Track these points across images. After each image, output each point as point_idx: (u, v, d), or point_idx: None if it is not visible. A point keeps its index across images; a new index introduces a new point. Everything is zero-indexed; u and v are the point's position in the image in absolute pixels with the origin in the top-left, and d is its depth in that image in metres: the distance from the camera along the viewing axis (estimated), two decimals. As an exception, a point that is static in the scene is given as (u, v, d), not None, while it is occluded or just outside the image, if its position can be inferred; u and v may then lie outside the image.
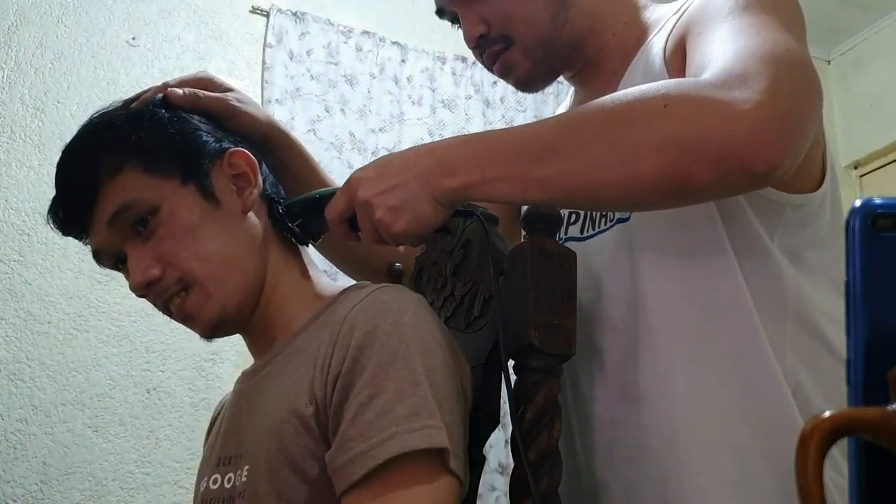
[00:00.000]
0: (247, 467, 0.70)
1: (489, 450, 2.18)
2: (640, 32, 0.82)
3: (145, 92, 0.81)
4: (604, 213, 0.81)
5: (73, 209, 0.74)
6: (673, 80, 0.65)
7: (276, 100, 2.23)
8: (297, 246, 0.83)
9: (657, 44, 0.77)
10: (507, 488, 0.68)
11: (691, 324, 0.73)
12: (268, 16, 2.33)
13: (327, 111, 2.31)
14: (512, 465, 0.69)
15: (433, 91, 2.50)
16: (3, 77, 2.01)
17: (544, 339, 0.67)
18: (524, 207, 0.82)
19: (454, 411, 0.66)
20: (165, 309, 0.76)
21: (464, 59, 2.55)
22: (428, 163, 0.68)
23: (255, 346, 0.81)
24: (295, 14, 2.34)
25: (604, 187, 0.63)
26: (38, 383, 1.88)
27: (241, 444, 0.73)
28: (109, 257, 0.77)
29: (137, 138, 0.74)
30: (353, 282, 0.83)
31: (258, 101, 2.26)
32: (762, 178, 0.60)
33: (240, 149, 0.79)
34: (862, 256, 0.32)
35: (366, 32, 2.44)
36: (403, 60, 2.48)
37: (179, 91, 0.79)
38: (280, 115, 2.22)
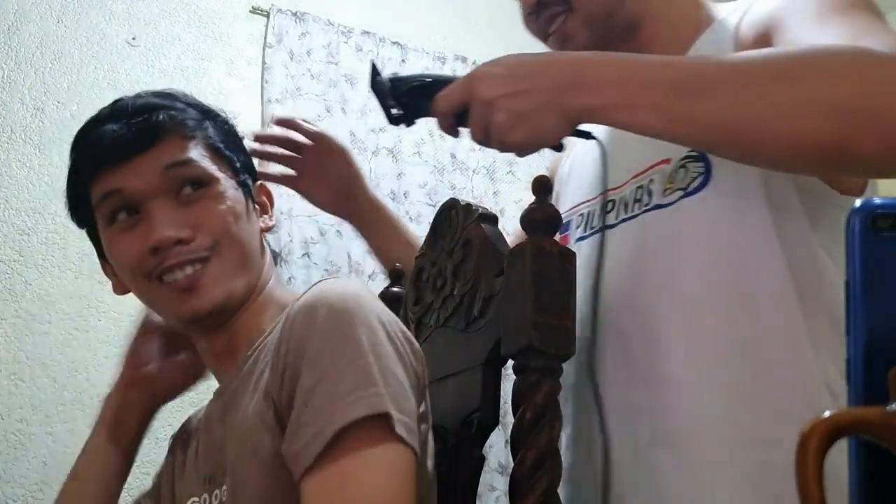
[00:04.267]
0: (225, 486, 0.71)
1: (489, 450, 2.18)
2: (695, 25, 0.81)
3: None
4: (638, 198, 0.79)
5: (139, 135, 0.74)
6: (851, 47, 0.61)
7: (276, 99, 2.24)
8: (275, 266, 0.84)
9: (723, 39, 0.75)
10: (506, 488, 0.68)
11: (730, 314, 0.72)
12: (268, 16, 2.33)
13: (327, 111, 2.31)
14: (512, 464, 0.69)
15: (433, 91, 2.50)
16: (3, 77, 2.01)
17: (544, 339, 0.67)
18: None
19: (402, 384, 0.66)
20: (165, 272, 0.74)
21: (464, 59, 2.55)
22: (566, 74, 0.64)
23: (217, 356, 0.80)
24: (295, 14, 2.34)
25: (761, 140, 0.60)
26: (38, 383, 1.88)
27: (220, 463, 0.73)
28: (125, 202, 0.75)
29: (213, 125, 0.81)
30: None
31: (258, 101, 2.26)
32: None
33: (265, 184, 0.89)
34: (862, 256, 0.32)
35: (366, 32, 2.44)
36: (403, 60, 2.48)
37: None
38: (280, 114, 2.22)
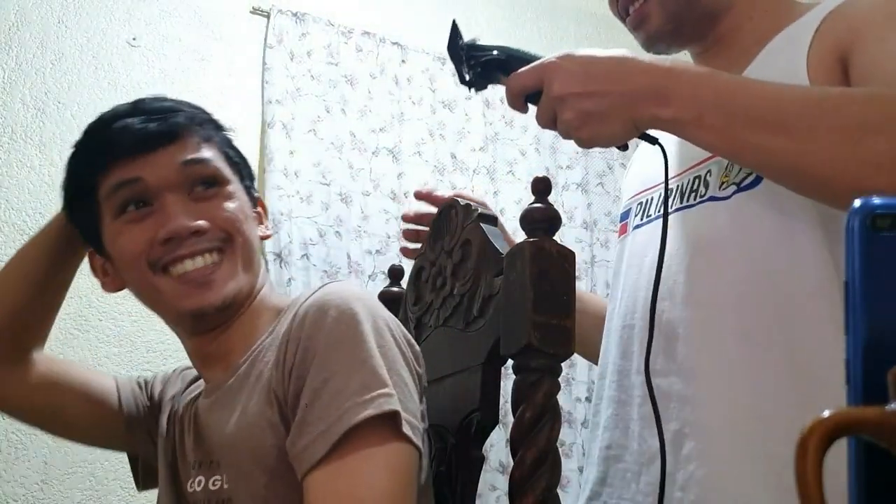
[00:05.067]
0: (224, 476, 0.72)
1: (489, 449, 2.18)
2: (777, 22, 0.81)
3: None
4: (695, 188, 0.80)
5: (160, 131, 0.76)
6: None
7: (277, 100, 2.23)
8: (268, 277, 0.85)
9: (800, 41, 0.75)
10: (507, 488, 0.68)
11: (772, 312, 0.72)
12: (268, 16, 2.32)
13: (327, 111, 2.31)
14: (512, 464, 0.69)
15: (433, 91, 2.50)
16: (3, 77, 2.01)
17: (544, 339, 0.67)
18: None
19: (407, 384, 0.68)
20: (174, 262, 0.74)
21: (464, 60, 2.55)
22: (641, 84, 0.66)
23: (207, 359, 0.80)
24: (295, 14, 2.34)
25: (826, 184, 0.61)
26: (39, 383, 1.88)
27: (212, 453, 0.75)
28: (139, 193, 0.76)
29: (224, 138, 0.84)
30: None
31: (258, 101, 2.26)
32: None
33: (260, 198, 0.91)
34: (861, 256, 0.32)
35: (366, 33, 2.44)
36: (403, 60, 2.48)
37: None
38: (280, 115, 2.22)
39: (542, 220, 0.71)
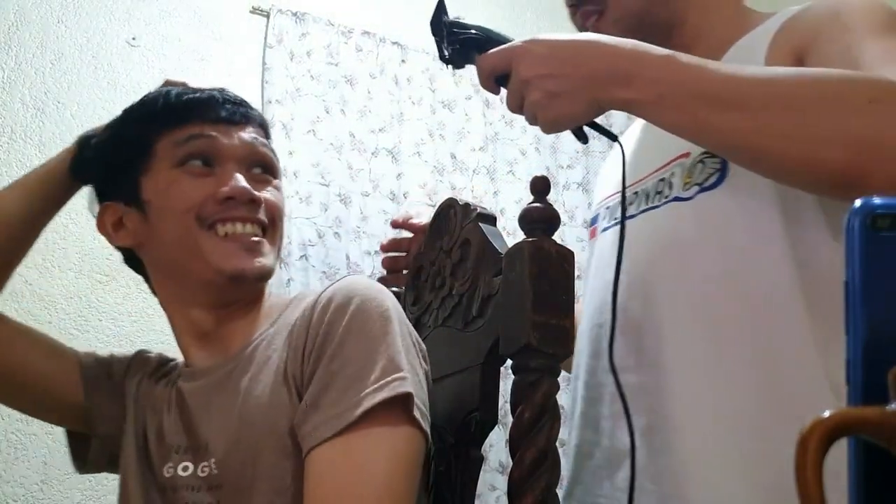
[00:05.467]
0: (213, 460, 0.72)
1: (489, 449, 2.18)
2: (734, 32, 0.82)
3: None
4: (659, 190, 0.81)
5: (240, 110, 0.82)
6: (882, 78, 0.63)
7: (277, 100, 2.23)
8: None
9: (757, 49, 0.76)
10: (507, 487, 0.68)
11: (735, 309, 0.73)
12: (268, 16, 2.32)
13: (327, 111, 2.31)
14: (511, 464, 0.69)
15: (433, 91, 2.50)
16: (3, 77, 2.01)
17: (543, 338, 0.67)
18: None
19: (419, 374, 0.70)
20: (225, 221, 0.76)
21: (464, 60, 2.55)
22: (603, 65, 0.67)
23: (206, 338, 0.80)
24: (295, 14, 2.34)
25: (781, 159, 0.62)
26: (39, 383, 1.88)
27: (201, 437, 0.74)
28: (207, 151, 0.78)
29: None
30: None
31: (258, 101, 2.26)
32: None
33: None
34: (861, 256, 0.32)
35: (366, 33, 2.44)
36: (403, 60, 2.48)
37: None
38: (280, 115, 2.22)
39: (540, 219, 0.71)
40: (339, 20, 2.41)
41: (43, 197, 0.89)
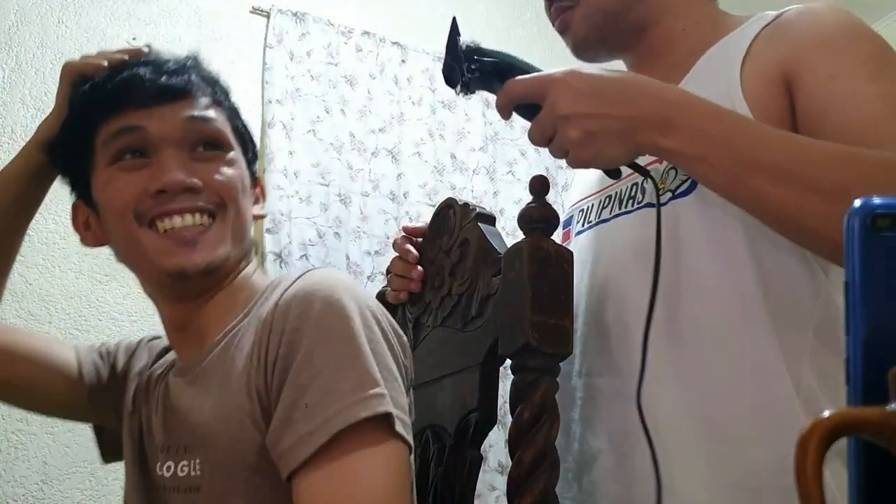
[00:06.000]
0: (197, 461, 0.69)
1: (489, 449, 2.18)
2: (709, 34, 0.82)
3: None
4: (632, 195, 0.81)
5: (170, 84, 0.75)
6: None
7: (277, 100, 2.23)
8: (255, 258, 0.82)
9: (733, 55, 0.76)
10: (506, 487, 0.68)
11: (703, 316, 0.73)
12: (268, 16, 2.33)
13: (327, 111, 2.31)
14: (511, 464, 0.69)
15: (433, 91, 2.50)
16: (3, 77, 2.02)
17: (542, 338, 0.67)
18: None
19: (395, 379, 0.65)
20: (162, 216, 0.72)
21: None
22: (650, 109, 0.65)
23: (182, 331, 0.78)
24: (295, 14, 2.34)
25: (818, 238, 0.63)
26: (38, 383, 1.88)
27: (182, 437, 0.72)
28: (139, 143, 0.73)
29: (231, 105, 0.82)
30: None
31: (258, 101, 2.26)
32: None
33: (260, 178, 0.87)
34: (861, 256, 0.32)
35: (366, 33, 2.44)
36: (403, 60, 2.48)
37: None
38: (280, 115, 2.22)
39: (539, 219, 0.71)
40: (339, 20, 2.41)
41: (19, 184, 0.87)
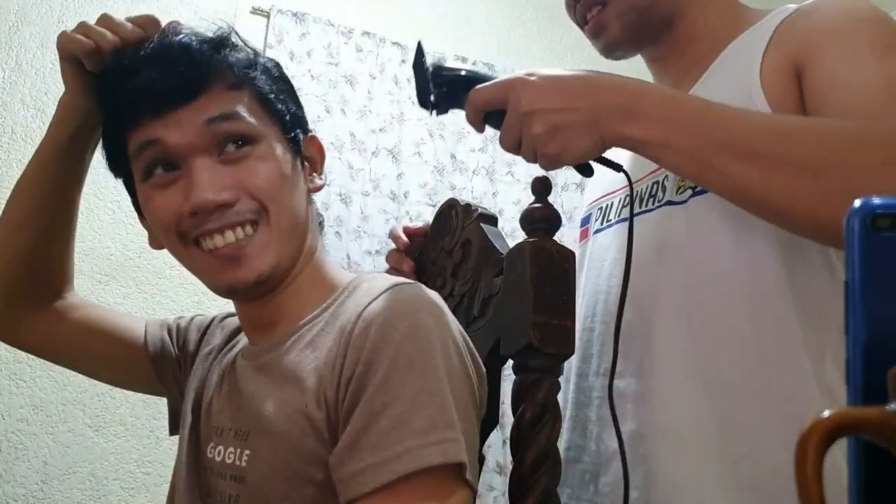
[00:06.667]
0: (247, 452, 0.67)
1: (487, 450, 2.18)
2: (731, 28, 0.82)
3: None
4: (653, 193, 0.81)
5: (180, 85, 0.69)
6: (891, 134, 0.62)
7: (277, 100, 2.23)
8: (321, 237, 0.80)
9: (754, 48, 0.76)
10: (504, 488, 0.68)
11: (725, 313, 0.72)
12: (268, 16, 2.33)
13: (328, 111, 2.31)
14: (510, 464, 0.69)
15: (433, 91, 2.50)
16: (3, 77, 2.02)
17: (544, 339, 0.67)
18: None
19: (469, 418, 0.63)
20: (203, 236, 0.69)
21: (464, 60, 2.55)
22: (611, 100, 0.65)
23: (255, 325, 0.76)
24: (295, 14, 2.34)
25: (788, 215, 0.62)
26: (39, 383, 1.88)
27: (241, 423, 0.70)
28: (163, 155, 0.69)
29: (263, 70, 0.75)
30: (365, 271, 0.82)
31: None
32: None
33: (316, 136, 0.80)
34: (861, 256, 0.32)
35: (366, 33, 2.44)
36: (403, 60, 2.48)
37: None
38: (280, 115, 2.22)
39: (541, 220, 0.71)
40: (339, 20, 2.41)
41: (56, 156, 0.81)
